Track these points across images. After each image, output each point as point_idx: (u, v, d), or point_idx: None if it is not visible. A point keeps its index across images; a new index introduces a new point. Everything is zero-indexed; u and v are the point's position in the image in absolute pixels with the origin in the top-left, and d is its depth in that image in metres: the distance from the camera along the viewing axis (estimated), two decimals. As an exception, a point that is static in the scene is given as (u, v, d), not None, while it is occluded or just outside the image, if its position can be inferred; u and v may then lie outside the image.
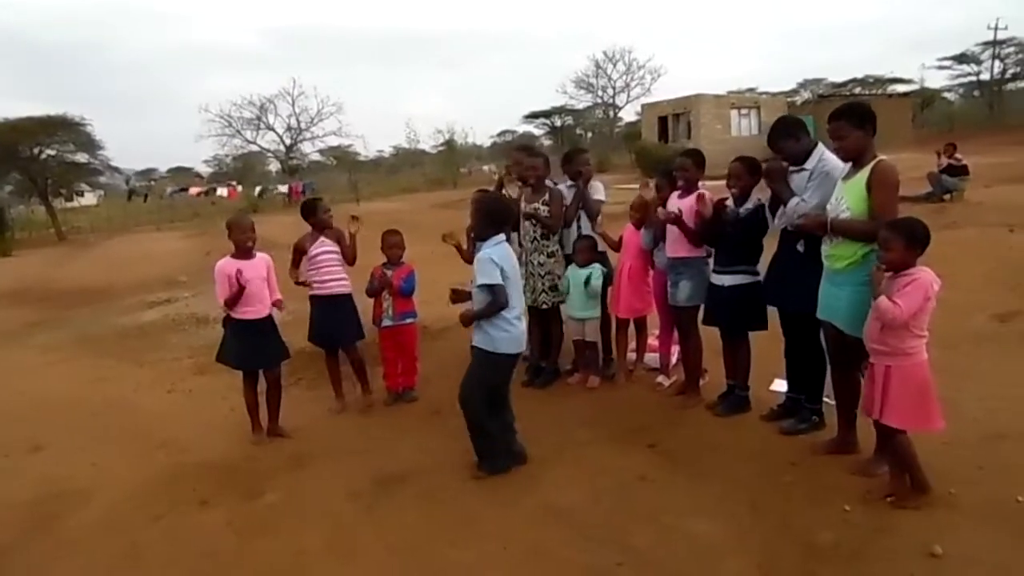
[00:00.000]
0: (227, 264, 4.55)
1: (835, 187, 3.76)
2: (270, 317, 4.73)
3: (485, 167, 45.90)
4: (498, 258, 3.77)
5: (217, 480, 4.18)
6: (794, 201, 3.93)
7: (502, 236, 3.93)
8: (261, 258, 4.71)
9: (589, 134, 60.13)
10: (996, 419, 4.13)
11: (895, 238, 3.17)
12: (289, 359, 4.99)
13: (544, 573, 3.09)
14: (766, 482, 3.64)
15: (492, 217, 3.95)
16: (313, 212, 5.14)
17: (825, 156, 3.97)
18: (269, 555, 3.35)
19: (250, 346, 4.63)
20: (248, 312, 4.57)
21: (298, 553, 3.35)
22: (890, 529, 3.13)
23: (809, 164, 4.01)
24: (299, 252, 5.14)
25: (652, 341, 5.62)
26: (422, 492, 3.83)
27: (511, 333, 3.82)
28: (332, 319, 5.12)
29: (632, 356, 5.61)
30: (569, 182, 5.42)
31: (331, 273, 5.09)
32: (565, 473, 3.93)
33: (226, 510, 3.80)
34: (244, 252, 4.62)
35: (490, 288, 3.75)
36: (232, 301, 4.52)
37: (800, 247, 4.05)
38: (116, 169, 37.92)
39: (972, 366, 5.02)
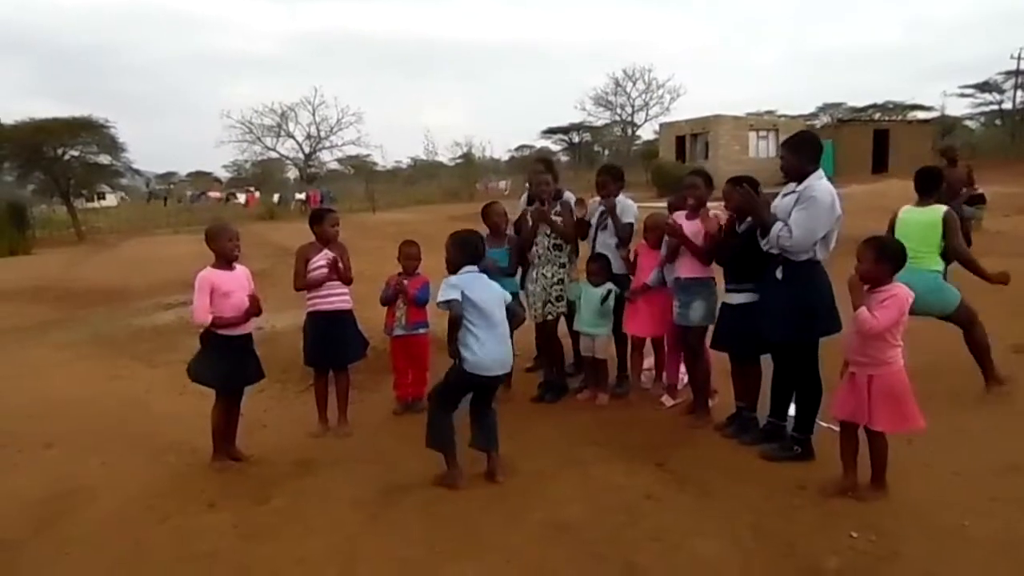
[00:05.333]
0: (212, 275, 4.25)
1: (825, 216, 3.87)
2: (251, 334, 4.48)
3: (502, 183, 45.97)
4: (458, 281, 3.89)
5: (225, 483, 4.20)
6: (778, 226, 3.93)
7: (474, 267, 4.00)
8: (242, 270, 4.43)
9: (606, 151, 60.18)
10: (1010, 450, 4.08)
11: (866, 251, 3.45)
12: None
13: (546, 589, 3.08)
14: (773, 505, 3.62)
15: (463, 249, 4.03)
16: (319, 222, 4.90)
17: (815, 183, 3.93)
18: (272, 560, 3.36)
19: (231, 364, 4.32)
20: (231, 328, 4.28)
21: (300, 560, 3.35)
22: (897, 557, 3.10)
23: (799, 187, 3.99)
24: (305, 260, 4.85)
25: (651, 360, 5.59)
26: (427, 504, 3.83)
27: (475, 355, 3.89)
28: (334, 337, 4.87)
29: (651, 375, 5.61)
30: (598, 198, 5.41)
31: (333, 287, 4.84)
32: (571, 489, 3.92)
33: (232, 514, 3.82)
34: (227, 263, 4.34)
35: (446, 304, 3.86)
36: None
37: (779, 274, 4.03)
38: (137, 171, 38.36)
39: (986, 396, 4.97)
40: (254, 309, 4.34)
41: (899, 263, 3.47)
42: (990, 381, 5.05)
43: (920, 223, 5.04)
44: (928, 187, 5.24)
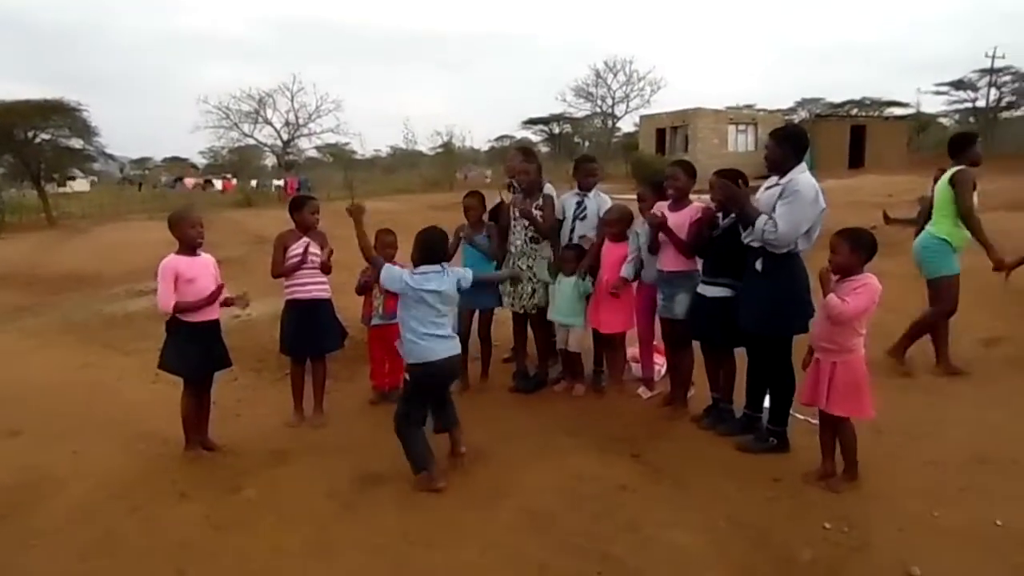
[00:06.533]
0: (175, 261, 4.20)
1: (809, 209, 3.86)
2: (218, 321, 4.43)
3: (482, 172, 45.77)
4: (409, 278, 3.81)
5: (197, 473, 4.14)
6: (762, 220, 3.93)
7: (435, 266, 3.88)
8: (207, 258, 4.39)
9: (587, 143, 60.19)
10: (979, 442, 4.15)
11: (841, 243, 3.53)
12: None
13: (521, 579, 3.07)
14: (748, 496, 3.64)
15: (426, 247, 3.91)
16: (299, 209, 4.86)
17: (798, 177, 3.93)
18: (245, 550, 3.32)
19: (198, 351, 4.28)
20: (198, 315, 4.24)
21: (274, 550, 3.32)
22: (869, 548, 3.14)
23: (783, 180, 3.99)
24: (283, 248, 4.82)
25: (633, 351, 5.57)
26: (402, 493, 3.81)
27: (418, 343, 3.81)
28: (312, 325, 4.84)
29: (626, 367, 5.58)
30: (576, 190, 5.34)
31: (312, 276, 4.81)
32: (547, 480, 3.91)
33: (204, 504, 3.77)
34: (191, 249, 4.27)
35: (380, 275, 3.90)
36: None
37: (758, 265, 4.04)
38: (111, 156, 37.59)
39: (957, 389, 5.05)
40: (217, 297, 4.30)
41: (872, 252, 3.54)
42: (898, 358, 5.33)
43: (940, 185, 5.22)
44: (953, 150, 5.29)
